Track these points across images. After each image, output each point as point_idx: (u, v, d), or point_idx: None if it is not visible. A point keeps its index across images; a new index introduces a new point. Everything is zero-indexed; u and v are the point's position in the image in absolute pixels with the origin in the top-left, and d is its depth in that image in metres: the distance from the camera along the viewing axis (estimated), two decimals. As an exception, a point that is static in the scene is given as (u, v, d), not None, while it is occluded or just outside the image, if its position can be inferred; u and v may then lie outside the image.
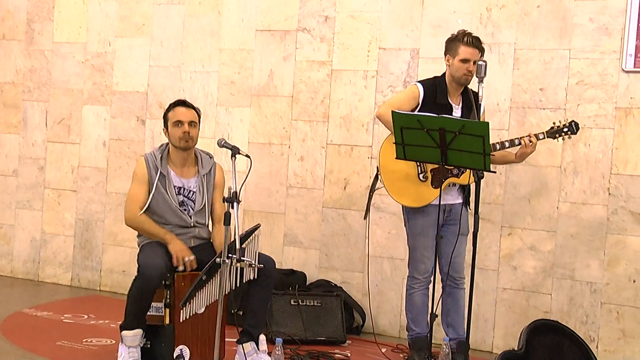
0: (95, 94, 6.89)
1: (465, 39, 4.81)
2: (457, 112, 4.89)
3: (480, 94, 4.50)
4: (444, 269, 4.92)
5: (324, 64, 6.12)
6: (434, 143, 4.38)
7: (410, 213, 4.99)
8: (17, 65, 7.17)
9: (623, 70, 5.28)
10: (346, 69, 6.04)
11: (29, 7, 7.11)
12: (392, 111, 4.51)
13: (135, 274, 4.48)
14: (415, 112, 4.79)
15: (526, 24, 5.53)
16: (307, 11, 6.16)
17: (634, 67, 5.24)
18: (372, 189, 5.10)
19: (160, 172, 4.71)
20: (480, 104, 4.57)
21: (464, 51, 4.80)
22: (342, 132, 6.04)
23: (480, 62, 4.52)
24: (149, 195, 4.71)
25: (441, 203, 4.66)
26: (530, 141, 4.81)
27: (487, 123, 4.29)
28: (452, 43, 4.87)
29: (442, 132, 4.32)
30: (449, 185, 4.89)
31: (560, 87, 5.44)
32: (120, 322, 4.56)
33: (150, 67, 6.70)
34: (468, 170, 4.76)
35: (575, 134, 4.92)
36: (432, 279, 4.89)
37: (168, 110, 4.82)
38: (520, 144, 4.84)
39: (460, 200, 4.99)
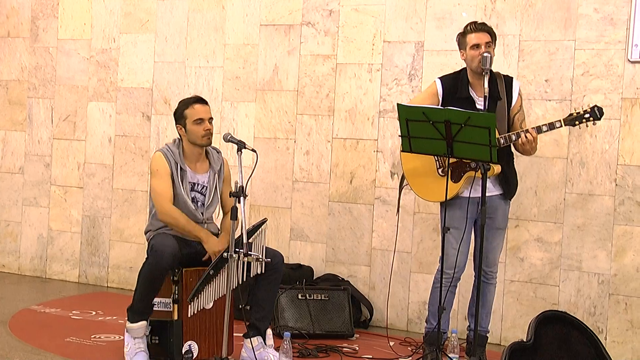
0: (100, 90, 6.89)
1: (470, 27, 4.82)
2: (479, 105, 4.77)
3: (485, 86, 4.48)
4: (476, 262, 4.92)
5: (328, 57, 6.11)
6: (439, 135, 4.37)
7: (442, 207, 4.84)
8: (22, 63, 7.18)
9: (629, 60, 5.27)
10: (351, 63, 6.03)
11: (33, 4, 7.12)
12: (398, 104, 4.49)
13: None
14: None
15: (530, 15, 5.52)
16: (311, 5, 6.16)
17: (640, 57, 5.24)
18: (401, 186, 5.10)
19: (180, 168, 4.71)
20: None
21: (472, 38, 4.77)
22: (347, 125, 6.04)
23: (485, 54, 4.52)
24: (172, 188, 4.70)
25: (472, 196, 4.65)
26: (527, 137, 4.66)
27: (493, 115, 4.27)
28: (461, 37, 4.87)
29: (448, 124, 4.31)
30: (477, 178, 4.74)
31: (565, 78, 5.43)
32: (128, 305, 4.56)
33: (155, 63, 6.70)
34: (492, 165, 4.61)
35: (599, 119, 4.63)
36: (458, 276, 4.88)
37: (184, 107, 4.77)
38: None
39: (496, 193, 4.87)
